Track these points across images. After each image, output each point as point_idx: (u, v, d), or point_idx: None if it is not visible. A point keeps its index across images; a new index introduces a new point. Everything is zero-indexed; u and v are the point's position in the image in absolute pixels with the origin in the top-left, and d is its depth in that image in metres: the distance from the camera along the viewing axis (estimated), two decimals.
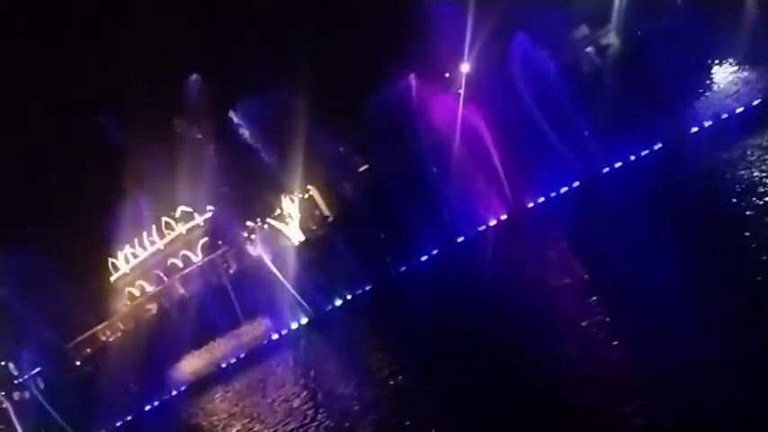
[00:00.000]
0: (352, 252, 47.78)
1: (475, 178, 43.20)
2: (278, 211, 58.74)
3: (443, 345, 25.78)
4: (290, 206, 57.67)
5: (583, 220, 32.83)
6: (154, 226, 69.24)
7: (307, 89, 46.43)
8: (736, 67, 37.67)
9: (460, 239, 45.00)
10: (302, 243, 56.51)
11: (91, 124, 58.85)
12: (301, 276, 50.66)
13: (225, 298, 54.09)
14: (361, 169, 54.00)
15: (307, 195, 57.80)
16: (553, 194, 41.65)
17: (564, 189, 41.23)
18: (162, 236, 69.74)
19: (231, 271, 62.60)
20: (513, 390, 18.77)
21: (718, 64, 38.70)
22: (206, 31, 50.85)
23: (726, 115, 35.97)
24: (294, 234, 57.81)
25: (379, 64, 47.43)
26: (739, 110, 35.51)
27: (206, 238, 66.55)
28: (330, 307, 50.01)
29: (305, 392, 31.35)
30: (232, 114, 51.29)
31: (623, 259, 23.50)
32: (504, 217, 43.75)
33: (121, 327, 71.95)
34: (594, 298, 22.32)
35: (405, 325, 32.50)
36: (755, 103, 35.12)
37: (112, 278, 74.22)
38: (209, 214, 64.67)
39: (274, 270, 51.88)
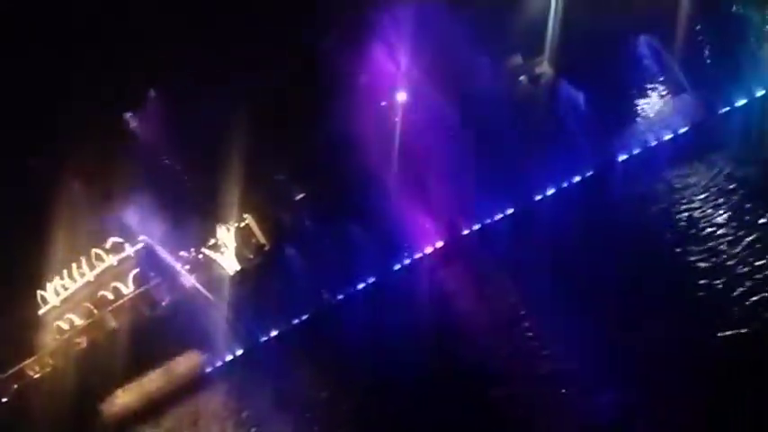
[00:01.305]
0: (290, 281, 47.24)
1: (412, 206, 43.27)
2: (213, 240, 57.99)
3: (379, 375, 25.50)
4: (226, 235, 56.93)
5: (515, 247, 33.11)
6: (83, 257, 67.53)
7: (243, 117, 45.98)
8: (664, 95, 38.59)
9: (397, 267, 45.00)
10: (238, 273, 55.75)
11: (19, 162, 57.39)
12: (237, 307, 49.83)
13: (157, 330, 52.81)
14: (299, 197, 53.65)
15: (243, 224, 57.14)
16: (488, 221, 41.98)
17: (498, 216, 41.63)
18: (92, 267, 68.04)
19: (164, 302, 61.25)
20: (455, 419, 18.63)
21: (647, 92, 39.58)
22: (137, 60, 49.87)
23: (654, 142, 36.89)
24: (229, 264, 57.02)
25: (316, 92, 47.30)
26: (667, 137, 36.46)
27: (137, 270, 65.11)
28: (266, 338, 49.28)
29: (238, 428, 30.66)
30: (165, 142, 50.49)
31: (553, 287, 23.62)
32: (440, 244, 43.93)
33: (50, 362, 69.76)
34: (529, 324, 22.39)
35: (342, 356, 32.07)
36: (682, 130, 36.11)
37: (41, 311, 72.13)
38: (140, 245, 63.31)
39: (209, 301, 50.92)
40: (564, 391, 16.61)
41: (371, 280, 45.70)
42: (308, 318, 47.51)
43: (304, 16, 44.56)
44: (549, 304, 22.75)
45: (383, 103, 47.62)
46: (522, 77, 44.98)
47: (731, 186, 25.80)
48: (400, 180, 44.71)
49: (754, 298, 15.79)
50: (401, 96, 46.17)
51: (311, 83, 45.70)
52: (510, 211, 41.41)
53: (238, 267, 56.65)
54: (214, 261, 57.99)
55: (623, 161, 37.48)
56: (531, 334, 21.45)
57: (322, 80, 43.31)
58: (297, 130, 48.00)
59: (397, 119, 46.87)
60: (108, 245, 65.72)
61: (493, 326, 24.75)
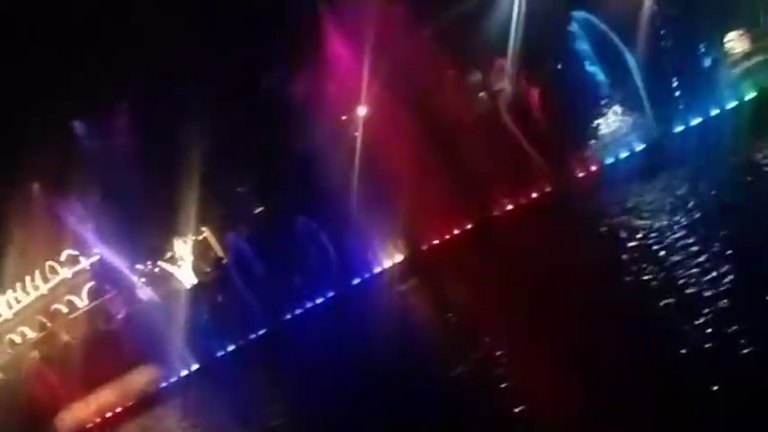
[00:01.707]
0: (247, 295, 46.81)
1: (373, 221, 43.24)
2: (169, 253, 57.27)
3: (336, 390, 25.27)
4: (183, 248, 56.25)
5: (472, 262, 33.23)
6: (37, 270, 66.27)
7: (202, 128, 45.46)
8: (622, 113, 39.05)
9: (356, 281, 44.89)
10: (195, 286, 55.09)
11: None
12: (193, 321, 49.21)
13: (112, 344, 51.93)
14: (258, 211, 53.24)
15: (200, 237, 56.53)
16: (447, 236, 42.12)
17: (457, 231, 41.84)
18: (46, 280, 66.80)
19: (119, 316, 60.23)
20: None
21: (605, 109, 40.00)
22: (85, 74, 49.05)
23: (612, 160, 37.31)
24: (186, 277, 56.31)
25: (276, 106, 47.02)
26: (624, 155, 36.90)
27: (92, 283, 64.01)
28: (223, 352, 48.71)
29: None
30: (121, 155, 49.77)
31: (509, 303, 23.65)
32: (399, 259, 43.95)
33: (2, 375, 68.36)
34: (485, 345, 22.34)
35: (299, 371, 31.79)
36: (639, 148, 36.57)
37: None
38: (95, 258, 62.23)
39: (165, 315, 50.21)
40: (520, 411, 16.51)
41: (331, 294, 45.43)
42: (265, 332, 47.04)
43: (261, 27, 44.24)
44: (505, 322, 22.73)
45: (343, 118, 47.47)
46: (481, 94, 45.15)
47: (686, 205, 26.09)
48: (360, 194, 44.55)
49: (710, 315, 15.88)
50: (361, 111, 46.02)
51: (270, 96, 45.39)
52: (469, 226, 41.62)
53: (195, 281, 56.01)
54: (171, 274, 57.24)
55: (581, 178, 37.85)
56: (486, 354, 21.32)
57: (280, 94, 43.01)
58: (256, 144, 47.62)
59: (357, 133, 46.74)
60: (63, 257, 64.59)
61: (452, 342, 24.66)
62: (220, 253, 54.73)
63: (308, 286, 45.52)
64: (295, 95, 45.26)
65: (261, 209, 52.84)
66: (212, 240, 55.50)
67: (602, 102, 39.59)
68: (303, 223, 44.82)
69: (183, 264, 56.56)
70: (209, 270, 56.48)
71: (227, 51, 45.39)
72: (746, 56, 35.59)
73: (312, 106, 44.18)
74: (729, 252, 19.02)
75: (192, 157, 46.71)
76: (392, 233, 43.87)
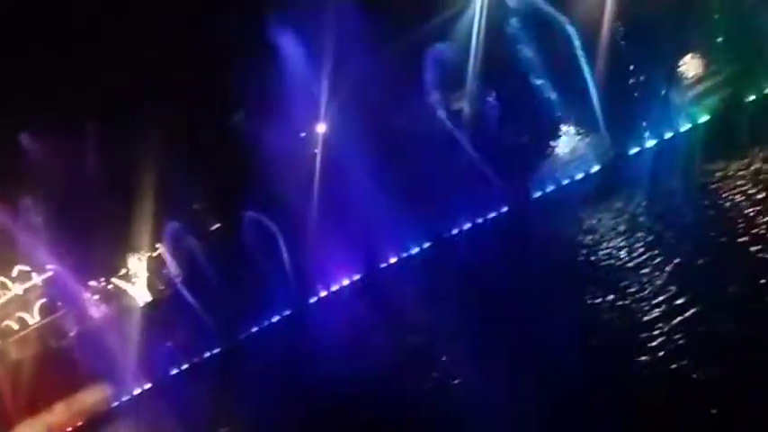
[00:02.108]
0: (202, 313, 46.26)
1: (330, 239, 43.05)
2: (123, 270, 56.47)
3: (290, 410, 25.04)
4: (137, 265, 55.54)
5: (430, 281, 33.20)
6: None
7: (157, 144, 44.93)
8: (577, 134, 39.45)
9: (313, 300, 44.60)
10: (149, 304, 54.36)
11: None
12: (147, 339, 48.46)
13: (64, 362, 50.94)
14: (214, 228, 52.73)
15: (155, 253, 55.79)
16: (404, 255, 42.08)
17: (415, 250, 41.79)
18: None
19: (71, 333, 59.12)
20: None
21: (561, 130, 40.37)
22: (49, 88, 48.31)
23: (567, 181, 37.62)
24: (140, 294, 55.56)
25: (234, 122, 46.70)
26: (579, 176, 37.23)
27: (44, 299, 62.83)
28: (176, 371, 47.99)
29: None
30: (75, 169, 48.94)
31: (462, 324, 23.64)
32: (357, 277, 43.76)
33: None
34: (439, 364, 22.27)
35: (252, 390, 31.41)
36: (594, 170, 36.93)
37: None
38: (48, 274, 61.11)
39: (118, 332, 49.39)
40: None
41: (287, 313, 45.08)
42: (220, 350, 46.47)
43: (220, 41, 43.95)
44: (459, 343, 22.72)
45: (302, 134, 47.28)
46: (440, 113, 45.28)
47: (639, 226, 26.36)
48: (319, 212, 44.39)
49: (663, 333, 15.98)
50: (320, 128, 45.88)
51: (227, 112, 45.08)
52: (426, 244, 41.63)
53: (149, 298, 55.28)
54: (124, 291, 56.48)
55: (537, 198, 38.10)
56: (440, 374, 21.25)
57: (239, 112, 42.75)
58: (213, 160, 47.17)
59: (316, 150, 46.60)
60: (14, 273, 63.34)
61: (404, 360, 24.56)
62: (175, 270, 54.03)
63: (264, 304, 45.03)
64: (253, 113, 45.00)
65: (217, 225, 52.37)
66: (167, 257, 54.78)
67: (560, 122, 40.01)
68: (260, 240, 44.45)
69: (138, 280, 55.88)
70: (163, 287, 55.79)
71: (184, 69, 44.98)
72: (700, 80, 36.20)
73: (271, 123, 43.99)
74: (679, 273, 19.21)
75: (147, 173, 46.13)
76: (350, 251, 43.60)
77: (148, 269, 56.06)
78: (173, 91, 43.83)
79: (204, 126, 47.71)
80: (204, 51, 45.02)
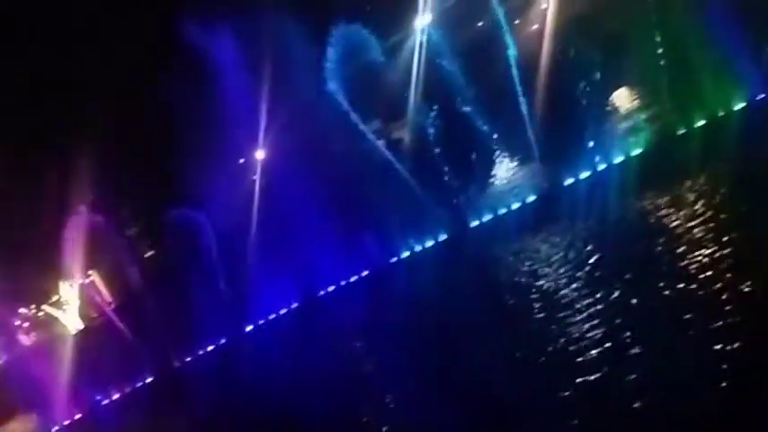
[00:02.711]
0: (135, 341, 45.28)
1: (268, 266, 42.67)
2: (55, 297, 55.16)
3: None
4: (69, 292, 54.27)
5: (368, 308, 33.10)
6: None
7: (90, 168, 44.07)
8: (515, 164, 39.89)
9: (249, 328, 44.02)
10: (81, 331, 53.10)
11: None
12: (78, 368, 47.21)
13: None
14: (148, 255, 51.87)
15: (87, 281, 54.62)
16: (343, 283, 41.89)
17: (354, 278, 41.64)
18: None
19: (0, 361, 57.43)
20: None
21: (499, 160, 40.80)
22: None
23: (504, 210, 37.91)
24: (72, 322, 54.27)
25: (171, 148, 46.08)
26: (516, 206, 37.56)
27: None
28: (108, 401, 46.79)
29: None
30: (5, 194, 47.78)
31: (400, 350, 23.57)
32: (295, 305, 43.39)
33: None
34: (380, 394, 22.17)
35: (184, 421, 30.81)
36: (530, 200, 37.31)
37: None
38: None
39: (48, 361, 48.05)
40: None
41: (222, 341, 44.39)
42: (152, 380, 45.48)
43: (160, 67, 43.51)
44: (399, 368, 22.67)
45: (241, 161, 46.93)
46: (380, 141, 45.48)
47: (573, 255, 26.62)
48: (256, 239, 44.00)
49: (594, 358, 16.12)
50: (259, 154, 45.58)
51: (164, 137, 44.45)
52: (365, 273, 41.54)
53: (81, 326, 54.06)
54: (56, 319, 55.18)
55: (474, 227, 38.31)
56: (382, 403, 21.17)
57: (175, 134, 42.20)
58: (148, 186, 46.48)
59: (255, 177, 46.25)
60: None
61: (342, 387, 24.42)
62: (108, 297, 53.02)
63: (199, 332, 44.27)
64: (190, 136, 44.54)
65: (151, 252, 51.55)
66: (100, 284, 53.75)
67: (498, 152, 40.46)
68: (196, 267, 43.82)
69: (69, 308, 54.66)
70: (95, 315, 54.65)
71: (116, 93, 44.31)
72: (633, 112, 36.99)
73: (208, 149, 43.60)
74: (606, 303, 19.47)
75: (79, 199, 45.19)
76: (288, 278, 43.26)
77: (80, 296, 54.90)
78: (105, 118, 43.03)
79: (139, 151, 46.98)
80: (139, 76, 44.46)
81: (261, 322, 44.08)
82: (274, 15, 40.16)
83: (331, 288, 42.33)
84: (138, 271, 49.91)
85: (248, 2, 40.15)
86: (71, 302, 54.60)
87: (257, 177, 46.28)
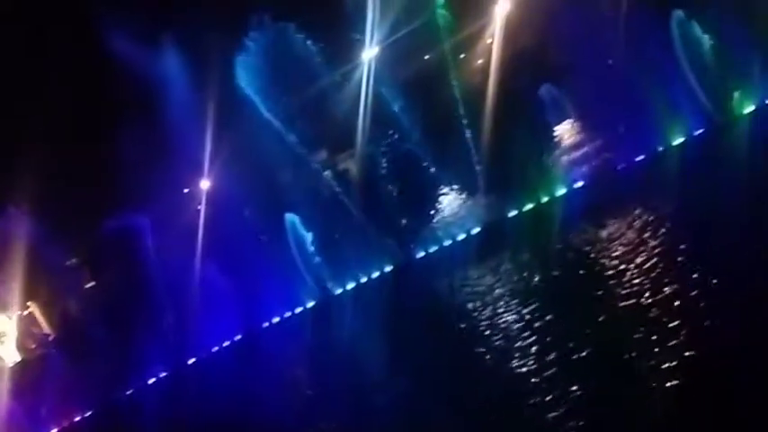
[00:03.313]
0: (75, 374, 44.20)
1: (212, 298, 42.21)
2: None
3: None
4: (7, 323, 52.81)
5: (312, 341, 32.93)
6: None
7: (30, 197, 43.15)
8: (460, 196, 40.20)
9: (192, 361, 43.35)
10: (18, 364, 51.64)
11: None
12: (15, 401, 45.86)
13: None
14: (89, 285, 50.79)
15: (26, 312, 53.26)
16: (288, 314, 41.64)
17: (299, 309, 41.45)
18: None
19: None
20: None
21: (445, 191, 41.08)
22: None
23: (449, 242, 38.17)
24: (9, 354, 52.75)
25: (114, 174, 45.39)
26: (461, 237, 37.85)
27: None
28: None
29: None
30: None
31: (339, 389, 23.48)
32: (239, 337, 42.86)
33: None
34: None
35: None
36: (475, 231, 37.64)
37: None
38: None
39: None
40: None
41: (163, 374, 43.61)
42: (92, 413, 44.41)
43: (99, 95, 42.97)
44: (338, 405, 22.55)
45: (185, 191, 46.38)
46: (326, 172, 45.43)
47: (516, 287, 26.86)
48: (200, 269, 43.47)
49: (538, 386, 16.22)
50: (204, 184, 45.09)
51: (106, 164, 43.76)
52: (311, 304, 41.37)
53: (19, 358, 52.59)
54: None
55: (420, 258, 38.48)
56: None
57: (118, 160, 41.59)
58: (89, 217, 45.62)
59: (199, 207, 45.75)
60: None
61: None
62: (47, 329, 51.72)
63: (140, 365, 43.44)
64: (135, 168, 44.01)
65: (92, 283, 50.50)
66: (39, 315, 52.43)
67: (444, 184, 40.75)
68: (137, 298, 43.13)
69: (7, 340, 53.14)
70: (34, 347, 53.21)
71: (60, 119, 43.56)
72: (576, 146, 37.59)
73: (152, 177, 43.14)
74: (544, 334, 19.71)
75: (17, 229, 44.13)
76: (233, 310, 42.76)
77: (18, 328, 53.44)
78: (49, 149, 42.17)
79: (82, 178, 46.17)
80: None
81: (204, 355, 43.42)
82: (220, 44, 40.04)
83: (276, 320, 42.00)
84: (78, 302, 48.83)
85: (195, 35, 39.95)
86: (8, 335, 53.15)
87: (202, 207, 45.75)
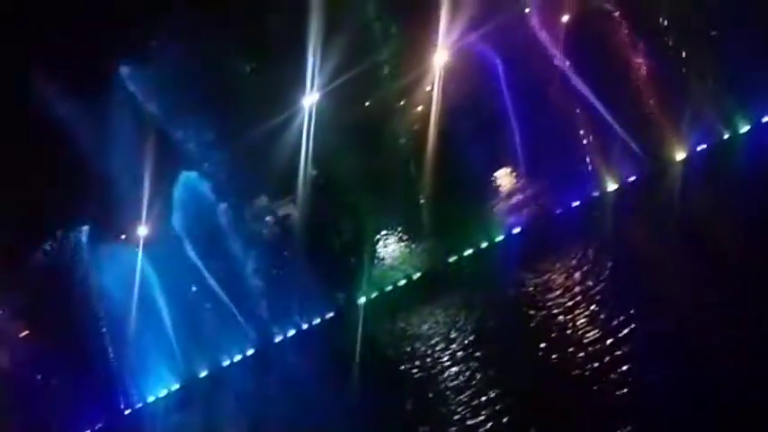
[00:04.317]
0: (8, 426, 42.67)
1: (149, 346, 41.42)
2: None
3: None
4: None
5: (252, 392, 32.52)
6: None
7: None
8: (402, 240, 40.32)
9: (128, 411, 42.31)
10: None
11: None
12: None
13: None
14: (23, 335, 49.20)
15: None
16: (227, 363, 40.98)
17: (238, 357, 40.80)
18: None
19: None
20: None
21: (387, 236, 41.18)
22: None
23: (390, 287, 38.20)
24: None
25: (49, 219, 44.44)
26: (402, 282, 37.92)
27: None
28: None
29: None
30: None
31: None
32: (176, 387, 42.00)
33: None
34: None
35: None
36: (416, 276, 37.77)
37: None
38: None
39: None
40: None
41: (99, 426, 42.40)
42: None
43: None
44: None
45: (122, 237, 45.51)
46: (267, 218, 45.20)
47: (455, 331, 26.97)
48: (137, 317, 42.60)
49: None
50: (142, 230, 44.30)
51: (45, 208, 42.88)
52: (250, 351, 40.79)
53: None
54: None
55: (361, 304, 38.35)
56: None
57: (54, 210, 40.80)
58: (25, 264, 44.48)
59: (138, 248, 44.87)
60: None
61: None
62: None
63: (74, 417, 42.18)
64: (70, 209, 43.21)
65: (26, 332, 48.99)
66: None
67: (385, 229, 40.87)
68: (73, 348, 42.08)
69: None
70: None
71: None
72: (512, 193, 38.18)
73: (88, 224, 42.45)
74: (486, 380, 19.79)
75: None
76: (171, 359, 41.97)
77: None
78: None
79: (17, 226, 45.05)
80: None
81: (140, 405, 42.42)
82: (155, 86, 39.83)
83: (214, 369, 41.28)
84: (10, 352, 47.26)
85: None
86: None
87: (139, 253, 44.91)
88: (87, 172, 40.01)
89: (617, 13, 35.69)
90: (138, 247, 44.26)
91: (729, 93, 31.84)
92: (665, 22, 34.89)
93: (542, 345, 20.37)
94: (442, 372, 22.50)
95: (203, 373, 41.34)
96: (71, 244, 42.57)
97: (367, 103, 43.64)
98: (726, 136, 31.60)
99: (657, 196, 30.04)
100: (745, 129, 31.15)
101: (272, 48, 42.37)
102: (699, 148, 31.93)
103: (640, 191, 32.13)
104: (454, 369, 22.21)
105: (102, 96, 39.72)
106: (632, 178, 33.34)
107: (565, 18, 36.57)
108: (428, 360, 24.51)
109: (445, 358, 23.68)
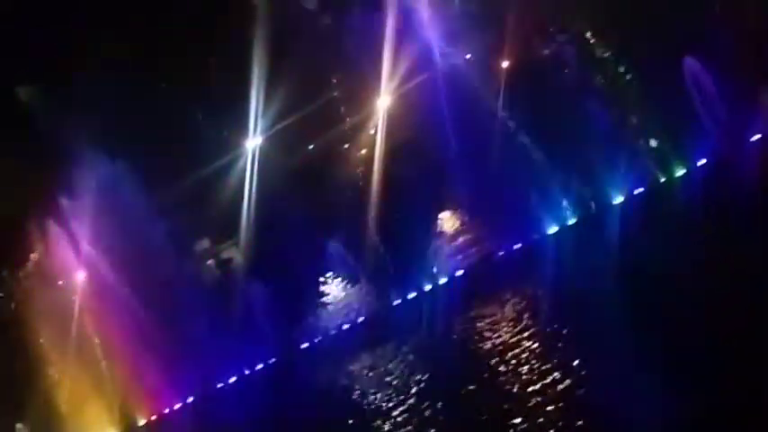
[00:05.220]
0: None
1: (84, 392, 40.43)
2: None
3: None
4: None
5: None
6: None
7: None
8: (345, 285, 40.16)
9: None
10: None
11: None
12: None
13: None
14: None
15: None
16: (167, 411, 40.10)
17: (178, 405, 39.96)
18: None
19: None
20: None
21: (331, 280, 40.95)
22: None
23: (334, 331, 37.86)
24: None
25: None
26: (346, 326, 37.64)
27: None
28: None
29: None
30: None
31: None
32: None
33: None
34: None
35: None
36: (360, 320, 37.55)
37: None
38: None
39: None
40: None
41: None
42: None
43: None
44: None
45: (60, 282, 44.49)
46: (209, 261, 44.67)
47: (402, 376, 26.91)
48: (73, 364, 41.59)
49: None
50: (81, 276, 43.33)
51: None
52: (190, 399, 39.93)
53: None
54: None
55: (304, 349, 37.94)
56: None
57: None
58: None
59: (75, 297, 43.89)
60: None
61: None
62: None
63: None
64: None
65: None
66: None
67: (328, 273, 40.65)
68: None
69: None
70: None
71: None
72: (456, 235, 38.34)
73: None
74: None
75: None
76: (107, 407, 40.94)
77: None
78: None
79: None
80: None
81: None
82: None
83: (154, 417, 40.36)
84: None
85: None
86: None
87: (77, 299, 43.90)
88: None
89: (557, 59, 36.70)
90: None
91: (667, 137, 32.72)
92: (605, 68, 35.88)
93: (480, 389, 20.41)
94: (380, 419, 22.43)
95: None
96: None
97: (311, 147, 43.75)
98: (662, 179, 32.36)
99: (595, 238, 30.42)
100: (680, 172, 31.94)
101: (214, 91, 42.38)
102: (635, 192, 32.55)
103: (579, 233, 32.60)
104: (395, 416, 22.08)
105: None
106: (571, 221, 33.85)
107: (505, 64, 37.36)
108: (366, 407, 24.42)
109: (385, 404, 23.60)
